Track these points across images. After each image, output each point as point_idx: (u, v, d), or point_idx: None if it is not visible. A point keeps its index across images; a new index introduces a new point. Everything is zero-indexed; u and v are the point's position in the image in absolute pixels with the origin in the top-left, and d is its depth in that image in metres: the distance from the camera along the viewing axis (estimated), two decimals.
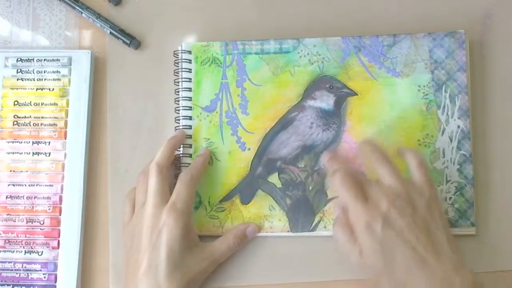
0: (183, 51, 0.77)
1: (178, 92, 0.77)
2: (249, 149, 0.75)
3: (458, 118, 0.73)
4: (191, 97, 0.76)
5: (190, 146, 0.75)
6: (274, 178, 0.74)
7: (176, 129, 0.76)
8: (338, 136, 0.74)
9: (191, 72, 0.77)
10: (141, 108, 0.79)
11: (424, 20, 0.77)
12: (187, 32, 0.80)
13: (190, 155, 0.75)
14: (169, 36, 0.80)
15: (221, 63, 0.77)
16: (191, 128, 0.76)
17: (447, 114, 0.74)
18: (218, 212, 0.74)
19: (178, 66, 0.77)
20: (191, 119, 0.76)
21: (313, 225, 0.73)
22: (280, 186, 0.74)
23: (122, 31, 0.80)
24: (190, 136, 0.76)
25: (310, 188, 0.74)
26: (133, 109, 0.79)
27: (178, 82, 0.77)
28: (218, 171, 0.75)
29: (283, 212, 0.74)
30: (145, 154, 0.77)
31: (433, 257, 0.62)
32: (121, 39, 0.80)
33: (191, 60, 0.77)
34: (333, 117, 0.75)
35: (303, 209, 0.73)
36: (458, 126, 0.73)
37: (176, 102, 0.77)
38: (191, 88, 0.76)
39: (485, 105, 0.76)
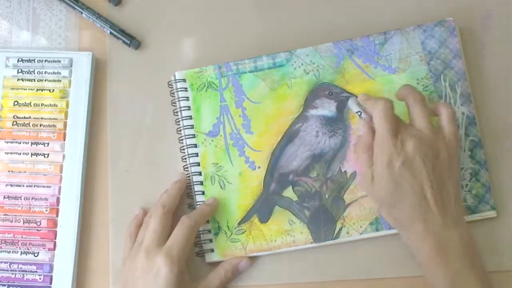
0: (177, 81, 0.77)
1: (179, 121, 0.76)
2: (259, 167, 0.75)
3: (462, 105, 0.74)
4: (193, 125, 0.76)
5: (200, 173, 0.75)
6: (289, 192, 0.74)
7: (182, 159, 0.76)
8: (345, 141, 0.74)
9: (188, 100, 0.76)
10: (141, 108, 0.79)
11: (412, 14, 0.78)
12: (187, 32, 0.80)
13: (201, 182, 0.75)
14: (169, 36, 0.80)
15: (217, 86, 0.76)
16: (197, 156, 0.75)
17: (449, 103, 0.74)
18: (239, 235, 0.73)
19: (174, 96, 0.77)
20: (196, 147, 0.75)
21: (336, 232, 0.72)
22: (296, 199, 0.74)
23: (122, 31, 0.80)
24: (198, 164, 0.75)
25: (326, 196, 0.73)
26: (133, 109, 0.79)
27: (177, 112, 0.76)
28: (232, 193, 0.74)
29: (304, 224, 0.73)
30: (145, 153, 0.77)
31: (439, 208, 0.64)
32: (121, 39, 0.80)
33: (187, 88, 0.76)
34: (337, 123, 0.75)
35: (323, 218, 0.73)
36: (463, 113, 0.74)
37: (179, 132, 0.76)
38: (191, 116, 0.76)
39: (486, 88, 0.76)
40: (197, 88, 0.76)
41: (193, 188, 0.75)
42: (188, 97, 0.76)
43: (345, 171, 0.74)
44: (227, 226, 0.74)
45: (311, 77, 0.76)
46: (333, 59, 0.76)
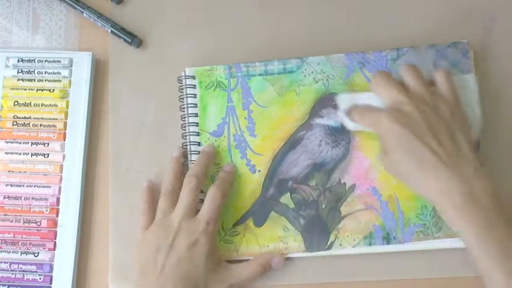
0: (186, 77, 0.77)
1: (185, 118, 0.76)
2: (259, 171, 0.75)
3: None
4: (198, 123, 0.76)
5: None
6: (286, 199, 0.74)
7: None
8: (347, 153, 0.74)
9: (196, 97, 0.76)
10: (143, 106, 0.79)
11: (427, 33, 0.77)
12: (188, 31, 0.80)
13: None
14: (171, 35, 0.81)
15: (225, 86, 0.77)
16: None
17: None
18: (233, 237, 0.74)
19: (182, 92, 0.77)
20: (199, 145, 0.75)
21: (329, 243, 0.72)
22: (293, 206, 0.74)
23: (123, 30, 0.80)
24: None
25: (323, 206, 0.73)
26: (135, 108, 0.79)
27: (184, 108, 0.77)
28: (230, 195, 0.74)
29: (298, 232, 0.73)
30: (147, 152, 0.78)
31: (454, 161, 0.65)
32: (122, 38, 0.80)
33: (195, 85, 0.77)
34: (342, 134, 0.74)
35: (318, 228, 0.73)
36: None
37: (183, 128, 0.76)
38: (197, 114, 0.76)
39: (495, 112, 0.75)
40: (206, 86, 0.77)
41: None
42: (195, 95, 0.77)
43: (344, 183, 0.74)
44: (222, 227, 0.74)
45: (320, 86, 0.76)
46: (343, 70, 0.76)
